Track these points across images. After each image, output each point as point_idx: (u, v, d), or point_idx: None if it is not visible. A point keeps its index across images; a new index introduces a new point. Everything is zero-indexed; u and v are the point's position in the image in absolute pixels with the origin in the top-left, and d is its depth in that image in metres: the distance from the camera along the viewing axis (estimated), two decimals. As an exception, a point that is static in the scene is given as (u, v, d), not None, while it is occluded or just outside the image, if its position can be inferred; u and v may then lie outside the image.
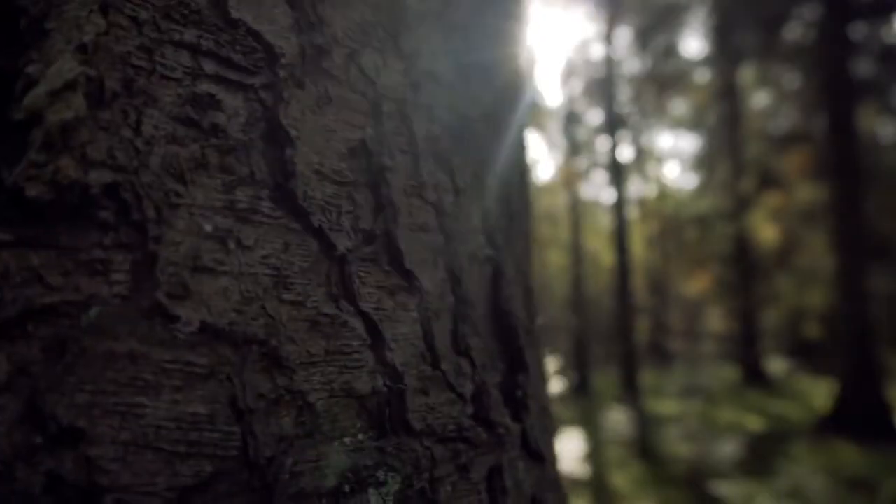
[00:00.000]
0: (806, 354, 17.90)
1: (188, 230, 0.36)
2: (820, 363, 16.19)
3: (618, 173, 13.99)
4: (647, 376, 17.49)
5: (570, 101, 17.38)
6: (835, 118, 11.54)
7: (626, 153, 25.08)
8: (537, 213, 28.26)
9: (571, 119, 16.97)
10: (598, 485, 8.50)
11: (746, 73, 17.35)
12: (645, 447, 9.77)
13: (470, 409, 0.54)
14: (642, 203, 25.48)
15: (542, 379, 0.72)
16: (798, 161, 15.66)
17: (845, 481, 7.56)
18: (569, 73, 16.16)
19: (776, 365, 17.66)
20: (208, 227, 0.36)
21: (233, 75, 0.39)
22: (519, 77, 0.75)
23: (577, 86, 18.09)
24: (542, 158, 29.10)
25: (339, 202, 0.44)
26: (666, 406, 12.58)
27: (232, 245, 0.37)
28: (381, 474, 0.41)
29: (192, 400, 0.34)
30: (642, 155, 24.64)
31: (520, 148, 0.75)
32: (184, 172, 0.36)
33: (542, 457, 0.64)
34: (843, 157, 11.29)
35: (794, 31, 14.73)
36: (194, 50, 0.37)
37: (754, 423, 11.67)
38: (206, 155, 0.37)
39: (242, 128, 0.39)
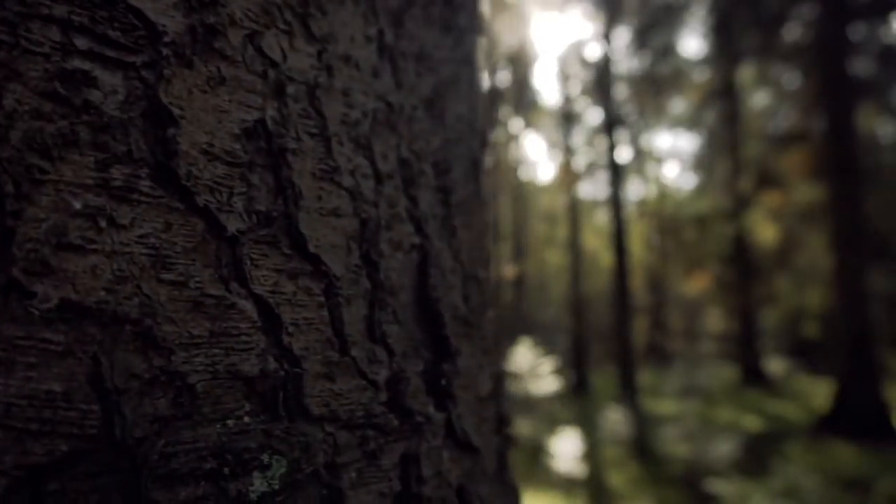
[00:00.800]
0: (805, 354, 17.89)
1: (54, 207, 0.35)
2: (819, 363, 16.17)
3: (616, 173, 13.98)
4: (645, 376, 17.48)
5: (569, 100, 17.37)
6: (833, 118, 11.53)
7: (624, 153, 25.10)
8: (536, 213, 28.27)
9: (570, 119, 16.96)
10: (595, 484, 8.50)
11: (745, 73, 17.35)
12: (642, 447, 9.77)
13: (383, 397, 0.53)
14: (641, 203, 25.48)
15: (486, 370, 0.72)
16: (797, 161, 15.64)
17: (840, 481, 7.54)
18: (567, 72, 16.16)
19: (775, 365, 17.65)
20: (77, 205, 0.36)
21: (110, 52, 0.38)
22: (465, 66, 0.74)
23: (576, 85, 18.10)
24: (542, 158, 29.10)
25: (230, 183, 0.44)
26: (664, 406, 12.57)
27: (104, 223, 0.37)
28: (265, 457, 0.41)
29: (47, 377, 0.33)
30: (641, 155, 24.65)
31: (468, 138, 0.74)
32: (50, 148, 0.35)
33: (474, 448, 0.64)
34: (841, 157, 11.27)
35: (793, 31, 14.72)
36: (65, 25, 0.36)
37: (752, 423, 11.65)
38: (77, 131, 0.36)
39: (120, 106, 0.38)
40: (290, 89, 0.49)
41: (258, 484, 0.40)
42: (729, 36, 15.86)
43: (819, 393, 13.33)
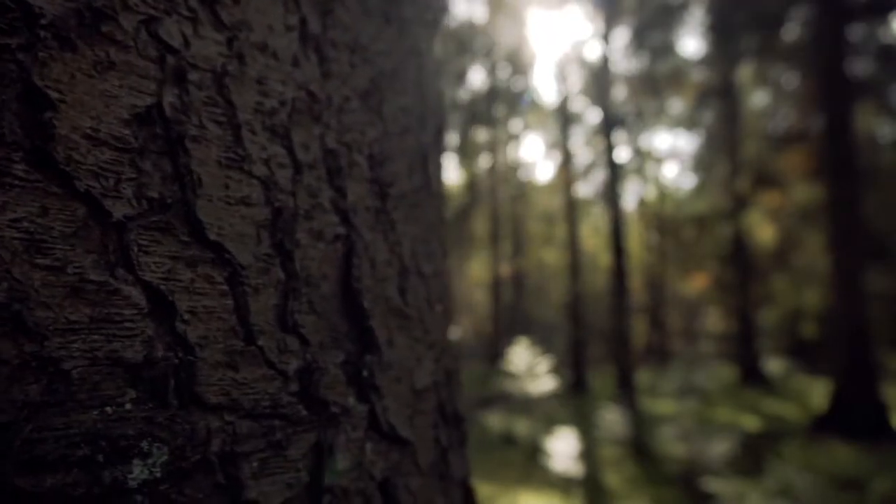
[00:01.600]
0: (804, 354, 17.88)
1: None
2: (818, 363, 16.16)
3: (614, 173, 13.97)
4: (644, 376, 17.47)
5: (567, 100, 17.35)
6: (831, 117, 11.51)
7: (623, 153, 25.09)
8: (535, 213, 28.26)
9: (568, 119, 16.95)
10: (592, 483, 8.50)
11: (744, 73, 17.34)
12: (640, 446, 9.77)
13: (294, 387, 0.53)
14: (641, 203, 25.47)
15: (426, 363, 0.71)
16: (796, 161, 15.63)
17: (836, 480, 7.54)
18: (565, 72, 16.15)
19: (774, 365, 17.64)
20: (-59, 188, 0.35)
21: (-19, 35, 0.38)
22: (412, 58, 0.73)
23: (574, 85, 18.10)
24: (541, 158, 29.10)
25: (118, 168, 0.43)
26: (662, 405, 12.56)
27: (-30, 207, 0.36)
28: (145, 445, 0.40)
29: None
30: (640, 155, 24.64)
31: (416, 131, 0.73)
32: (-87, 131, 0.35)
33: (404, 440, 0.63)
34: (839, 157, 11.26)
35: (792, 31, 14.71)
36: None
37: (750, 423, 11.65)
38: (-57, 114, 0.36)
39: (-7, 88, 0.38)
40: (193, 76, 0.49)
41: (138, 472, 0.39)
42: (727, 36, 15.85)
43: (817, 393, 13.32)
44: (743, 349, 16.90)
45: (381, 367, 0.61)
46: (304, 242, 0.56)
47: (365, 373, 0.59)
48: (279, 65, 0.56)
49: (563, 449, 8.22)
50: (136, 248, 0.43)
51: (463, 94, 24.22)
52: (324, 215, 0.59)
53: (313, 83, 0.60)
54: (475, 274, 30.99)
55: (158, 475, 0.40)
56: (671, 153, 28.06)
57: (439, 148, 0.74)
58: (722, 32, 15.79)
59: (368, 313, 0.60)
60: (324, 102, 0.60)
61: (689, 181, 26.11)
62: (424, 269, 0.63)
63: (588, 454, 9.78)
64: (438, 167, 0.72)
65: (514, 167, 27.17)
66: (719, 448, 8.39)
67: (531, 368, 10.71)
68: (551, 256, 24.14)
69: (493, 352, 18.17)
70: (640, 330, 25.43)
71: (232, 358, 0.48)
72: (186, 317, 0.45)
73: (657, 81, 15.20)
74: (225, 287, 0.49)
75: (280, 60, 0.57)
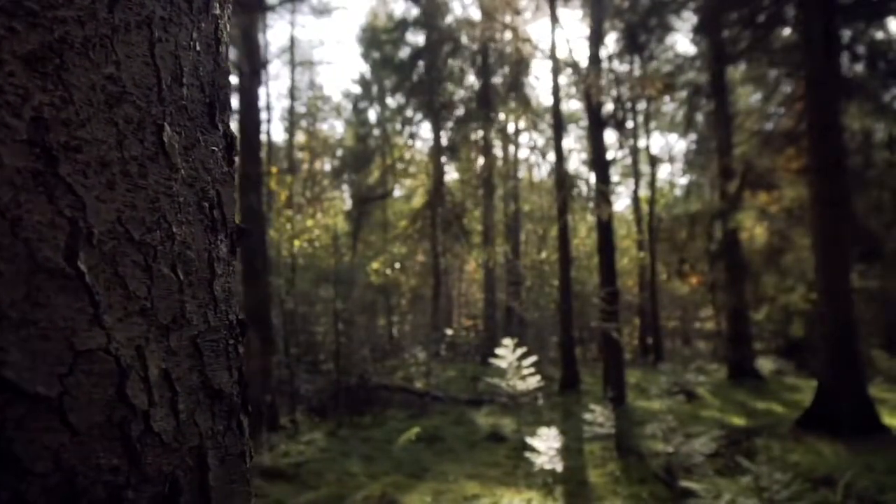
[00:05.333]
0: (795, 354, 17.89)
1: None
2: (809, 362, 16.17)
3: (604, 172, 14.01)
4: (635, 375, 17.51)
5: (561, 100, 17.38)
6: (819, 116, 11.54)
7: (617, 153, 25.08)
8: (530, 213, 28.28)
9: (561, 118, 16.98)
10: (575, 480, 8.55)
11: (735, 72, 17.36)
12: (624, 444, 9.81)
13: None
14: (634, 203, 25.49)
15: (111, 326, 0.64)
16: (787, 160, 15.63)
17: (813, 477, 7.57)
18: (559, 72, 16.17)
19: (765, 364, 17.65)
20: None
21: None
22: (132, 30, 0.65)
23: (568, 85, 18.13)
24: (535, 158, 29.09)
25: None
26: (651, 404, 12.59)
27: None
28: None
29: None
30: (634, 154, 24.66)
31: (134, 102, 0.65)
32: None
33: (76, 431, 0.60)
34: (826, 155, 11.29)
35: (783, 30, 14.71)
36: None
37: (736, 421, 11.68)
38: None
39: None
40: None
41: None
42: (718, 35, 15.87)
43: (807, 391, 13.33)
44: (734, 348, 16.92)
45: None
46: None
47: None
48: None
49: (546, 447, 8.27)
50: None
51: (457, 94, 24.25)
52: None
53: None
54: (472, 273, 31.02)
55: None
56: (664, 152, 28.04)
57: (202, 123, 0.76)
58: (712, 31, 15.81)
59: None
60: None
61: (682, 180, 26.13)
62: (135, 234, 0.62)
63: (573, 452, 9.83)
64: (197, 141, 0.74)
65: (509, 167, 27.21)
66: (702, 445, 8.43)
67: (518, 367, 10.75)
68: (546, 255, 24.16)
69: (486, 351, 18.20)
70: (633, 329, 25.43)
71: None
72: None
73: (650, 81, 15.23)
74: None
75: None
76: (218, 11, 0.80)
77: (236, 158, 0.89)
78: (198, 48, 0.74)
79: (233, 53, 13.77)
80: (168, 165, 0.67)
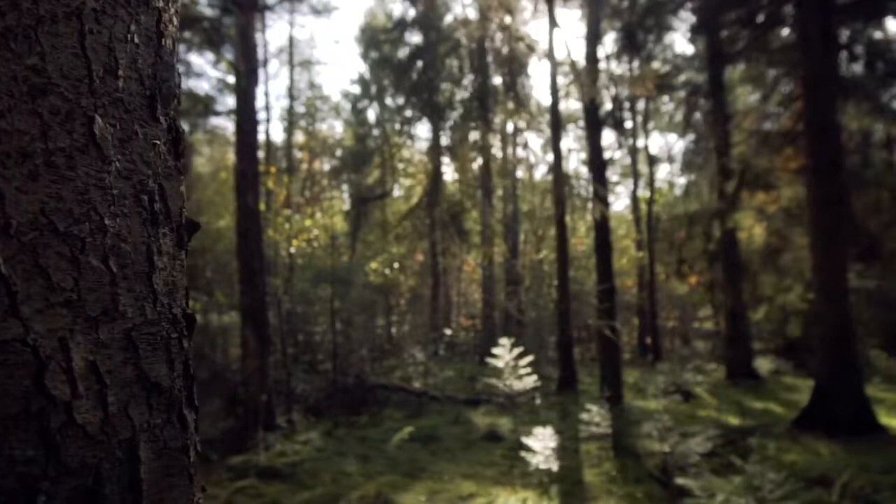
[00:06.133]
0: (794, 354, 17.87)
1: None
2: (807, 362, 16.14)
3: (603, 173, 14.00)
4: (633, 374, 17.49)
5: (559, 100, 17.37)
6: (816, 115, 11.53)
7: (615, 153, 25.08)
8: (529, 213, 28.25)
9: (559, 118, 16.97)
10: (570, 480, 8.54)
11: (733, 72, 17.34)
12: (621, 443, 9.81)
13: None
14: (633, 202, 25.49)
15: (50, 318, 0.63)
16: (785, 160, 15.63)
17: (808, 476, 7.56)
18: (557, 72, 16.17)
19: (763, 364, 17.64)
20: None
21: None
22: (60, 22, 0.64)
23: (566, 85, 18.11)
24: (534, 158, 29.07)
25: None
26: (648, 403, 12.58)
27: None
28: None
29: None
30: (633, 154, 24.65)
31: (61, 94, 0.64)
32: None
33: None
34: (824, 155, 11.28)
35: (782, 30, 14.71)
36: None
37: (733, 420, 11.67)
38: None
39: None
40: None
41: None
42: (716, 35, 15.87)
43: (804, 391, 13.32)
44: (732, 348, 16.91)
45: None
46: None
47: None
48: None
49: (542, 446, 8.26)
50: None
51: (456, 94, 24.26)
52: None
53: None
54: (471, 273, 31.01)
55: None
56: (663, 153, 28.03)
57: (141, 115, 0.75)
58: (710, 31, 15.81)
59: None
60: None
61: (681, 180, 26.11)
62: (60, 226, 0.61)
63: (569, 451, 9.83)
64: (135, 133, 0.74)
65: (507, 166, 27.19)
66: (697, 445, 8.42)
67: (514, 367, 10.75)
68: (544, 255, 24.16)
69: (484, 350, 18.19)
70: (632, 329, 25.43)
71: None
72: None
73: (648, 81, 15.22)
74: None
75: None
76: (161, 4, 0.80)
77: (185, 152, 0.89)
78: (136, 41, 0.74)
79: (229, 53, 13.79)
80: (100, 157, 0.67)
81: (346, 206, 29.89)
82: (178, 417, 0.77)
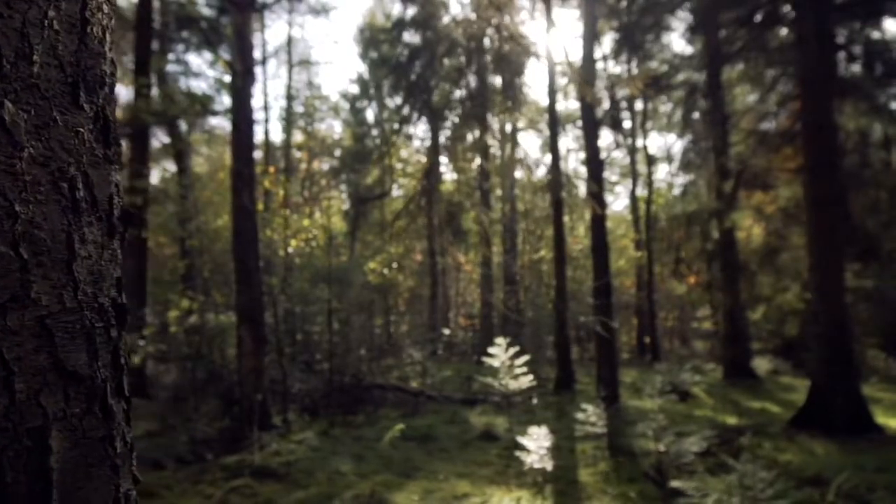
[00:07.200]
0: (792, 353, 17.85)
1: None
2: (805, 362, 16.12)
3: (600, 172, 13.98)
4: (631, 374, 17.49)
5: (557, 100, 17.36)
6: (813, 116, 11.52)
7: (614, 153, 25.06)
8: (527, 213, 28.23)
9: (557, 118, 16.96)
10: (565, 479, 8.53)
11: (731, 72, 17.32)
12: (616, 443, 9.80)
13: None
14: (632, 202, 25.46)
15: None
16: (783, 159, 15.60)
17: (801, 476, 7.55)
18: (555, 72, 16.16)
19: (761, 363, 17.62)
20: None
21: None
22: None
23: (564, 85, 18.11)
24: (533, 158, 29.05)
25: None
26: (644, 403, 12.57)
27: None
28: None
29: None
30: (631, 154, 24.63)
31: None
32: None
33: None
34: (821, 155, 11.26)
35: (779, 29, 14.68)
36: None
37: (729, 420, 11.66)
38: None
39: None
40: None
41: None
42: (713, 34, 15.85)
43: (802, 390, 13.31)
44: (730, 348, 16.89)
45: None
46: None
47: None
48: None
49: (537, 446, 8.25)
50: None
51: (454, 94, 24.23)
52: None
53: None
54: (470, 272, 31.00)
55: None
56: (662, 153, 28.00)
57: (62, 102, 0.74)
58: (708, 31, 15.79)
59: None
60: None
61: (679, 180, 26.08)
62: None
63: (564, 451, 9.82)
64: (54, 120, 0.73)
65: (506, 166, 27.15)
66: (692, 444, 8.41)
67: (510, 367, 10.74)
68: (543, 255, 24.15)
69: (482, 350, 18.18)
70: (631, 329, 25.41)
71: None
72: None
73: (646, 81, 15.20)
74: None
75: None
76: None
77: (117, 140, 0.88)
78: (56, 27, 0.73)
79: (225, 52, 13.78)
80: (10, 143, 0.66)
81: (345, 205, 29.89)
82: (100, 407, 0.76)
